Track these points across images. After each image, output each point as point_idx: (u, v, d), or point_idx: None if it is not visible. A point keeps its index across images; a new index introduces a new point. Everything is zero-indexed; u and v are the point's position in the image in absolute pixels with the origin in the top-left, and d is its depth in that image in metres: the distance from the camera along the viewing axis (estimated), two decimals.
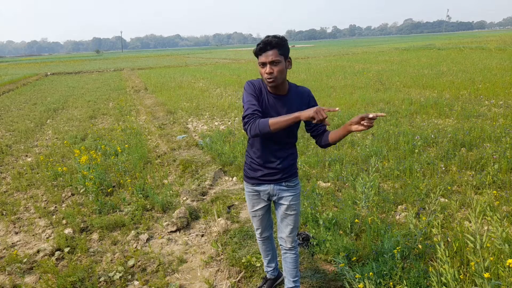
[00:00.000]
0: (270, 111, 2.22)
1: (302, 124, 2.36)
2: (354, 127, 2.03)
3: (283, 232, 2.53)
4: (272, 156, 2.35)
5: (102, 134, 8.23)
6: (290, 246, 2.55)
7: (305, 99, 2.26)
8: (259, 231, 2.69)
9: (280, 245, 2.60)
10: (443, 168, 4.92)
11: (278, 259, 2.99)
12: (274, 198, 2.46)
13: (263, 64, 2.10)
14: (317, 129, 2.32)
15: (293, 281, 2.63)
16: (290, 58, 2.18)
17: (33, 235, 4.08)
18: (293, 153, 2.42)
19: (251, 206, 2.58)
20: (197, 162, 5.89)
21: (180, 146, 6.88)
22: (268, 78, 2.11)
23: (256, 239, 3.53)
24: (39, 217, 4.47)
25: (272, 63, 2.07)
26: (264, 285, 2.88)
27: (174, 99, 12.55)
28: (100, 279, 3.16)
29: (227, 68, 25.03)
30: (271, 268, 2.87)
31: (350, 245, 3.19)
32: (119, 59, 52.93)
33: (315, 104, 2.29)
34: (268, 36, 2.10)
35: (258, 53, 2.12)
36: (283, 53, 2.09)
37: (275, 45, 2.06)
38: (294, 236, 2.54)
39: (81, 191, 5.01)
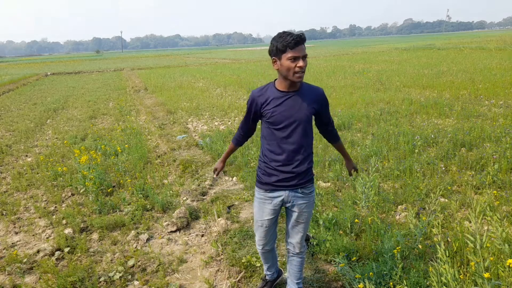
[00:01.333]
0: (281, 109, 2.19)
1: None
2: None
3: (293, 238, 2.47)
4: (289, 159, 2.24)
5: (102, 134, 8.23)
6: (299, 251, 2.51)
7: (318, 96, 2.25)
8: (262, 243, 2.53)
9: (288, 249, 2.56)
10: (443, 168, 4.92)
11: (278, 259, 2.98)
12: (288, 205, 2.37)
13: (295, 58, 2.05)
14: (325, 130, 2.49)
15: (297, 283, 2.62)
16: None
17: (33, 235, 4.08)
18: (309, 155, 2.31)
19: (259, 215, 2.42)
20: (197, 162, 5.89)
21: (180, 146, 6.89)
22: (300, 72, 2.08)
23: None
24: (39, 217, 4.47)
25: (304, 57, 2.07)
26: (265, 287, 2.87)
27: (174, 99, 12.55)
28: (100, 279, 3.16)
29: (227, 68, 25.03)
30: (270, 272, 2.83)
31: (350, 245, 3.19)
32: (119, 59, 52.94)
33: (327, 106, 2.31)
34: (288, 32, 2.07)
35: (292, 47, 2.03)
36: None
37: (305, 40, 2.07)
38: (303, 242, 2.50)
39: (81, 191, 5.01)
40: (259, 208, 2.41)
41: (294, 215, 2.38)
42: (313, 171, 2.41)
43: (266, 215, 2.40)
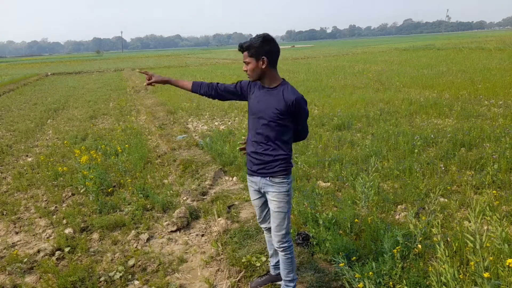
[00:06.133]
0: (256, 101, 2.43)
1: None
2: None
3: (272, 226, 2.56)
4: (257, 148, 2.47)
5: (102, 134, 8.23)
6: (277, 246, 2.55)
7: (286, 100, 2.29)
8: (258, 220, 2.79)
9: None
10: (443, 168, 4.93)
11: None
12: (262, 191, 2.55)
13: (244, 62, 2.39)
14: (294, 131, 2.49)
15: (284, 280, 2.65)
16: (264, 57, 2.28)
17: (34, 235, 4.08)
18: (277, 148, 2.40)
19: (250, 195, 2.71)
20: (197, 162, 5.90)
21: (180, 146, 6.89)
22: (247, 73, 2.40)
23: (256, 240, 3.55)
24: (40, 217, 4.48)
25: (246, 63, 2.36)
26: (265, 276, 2.93)
27: (174, 99, 12.56)
28: (101, 279, 3.17)
29: (227, 68, 25.03)
30: (271, 264, 2.91)
31: (350, 244, 3.20)
32: (120, 59, 52.94)
33: (298, 114, 2.35)
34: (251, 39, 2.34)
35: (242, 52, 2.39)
36: (252, 54, 2.30)
37: (244, 49, 2.33)
38: (282, 236, 2.50)
39: (81, 191, 5.02)
40: (249, 189, 2.67)
41: (268, 202, 2.55)
42: (287, 165, 2.43)
43: (252, 196, 2.66)
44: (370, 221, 3.52)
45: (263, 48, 2.27)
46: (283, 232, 2.50)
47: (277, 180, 2.42)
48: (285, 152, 2.41)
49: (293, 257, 2.60)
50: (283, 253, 2.56)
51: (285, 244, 2.52)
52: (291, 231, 3.51)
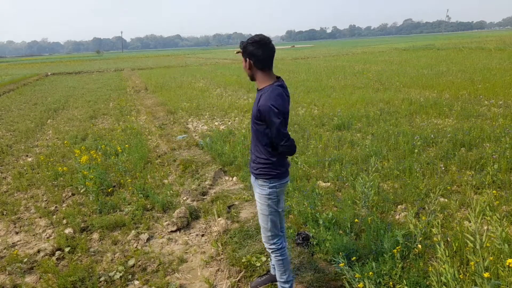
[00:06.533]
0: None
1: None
2: None
3: None
4: (251, 147, 2.53)
5: (102, 134, 8.23)
6: (266, 247, 2.60)
7: (259, 105, 2.24)
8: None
9: None
10: (443, 168, 4.93)
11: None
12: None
13: None
14: None
15: (279, 281, 2.65)
16: (248, 59, 2.29)
17: (34, 235, 4.08)
18: (258, 151, 2.40)
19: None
20: (197, 162, 5.90)
21: (180, 146, 6.89)
22: None
23: (256, 240, 3.55)
24: (40, 217, 4.48)
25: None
26: (265, 276, 2.95)
27: (174, 99, 12.56)
28: (101, 279, 3.17)
29: (227, 68, 25.03)
30: (272, 264, 2.92)
31: (350, 244, 3.20)
32: (120, 59, 52.94)
33: (266, 121, 2.24)
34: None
35: None
36: (242, 54, 2.37)
37: (240, 46, 2.39)
38: (267, 238, 2.54)
39: (81, 191, 5.02)
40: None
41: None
42: (269, 170, 2.38)
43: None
44: (370, 221, 3.53)
45: (247, 49, 2.28)
46: (268, 234, 2.53)
47: (259, 182, 2.45)
48: (265, 157, 2.37)
49: (285, 259, 2.58)
50: (273, 255, 2.59)
51: (273, 246, 2.54)
52: (291, 231, 3.53)
